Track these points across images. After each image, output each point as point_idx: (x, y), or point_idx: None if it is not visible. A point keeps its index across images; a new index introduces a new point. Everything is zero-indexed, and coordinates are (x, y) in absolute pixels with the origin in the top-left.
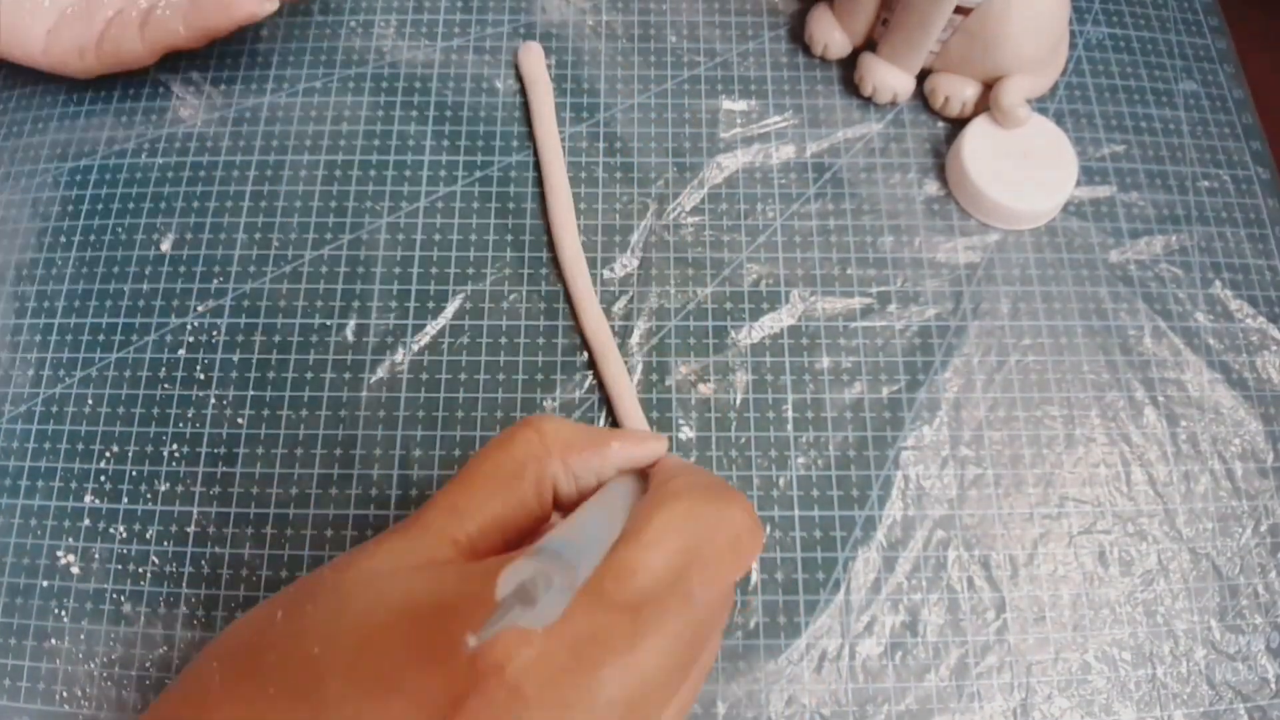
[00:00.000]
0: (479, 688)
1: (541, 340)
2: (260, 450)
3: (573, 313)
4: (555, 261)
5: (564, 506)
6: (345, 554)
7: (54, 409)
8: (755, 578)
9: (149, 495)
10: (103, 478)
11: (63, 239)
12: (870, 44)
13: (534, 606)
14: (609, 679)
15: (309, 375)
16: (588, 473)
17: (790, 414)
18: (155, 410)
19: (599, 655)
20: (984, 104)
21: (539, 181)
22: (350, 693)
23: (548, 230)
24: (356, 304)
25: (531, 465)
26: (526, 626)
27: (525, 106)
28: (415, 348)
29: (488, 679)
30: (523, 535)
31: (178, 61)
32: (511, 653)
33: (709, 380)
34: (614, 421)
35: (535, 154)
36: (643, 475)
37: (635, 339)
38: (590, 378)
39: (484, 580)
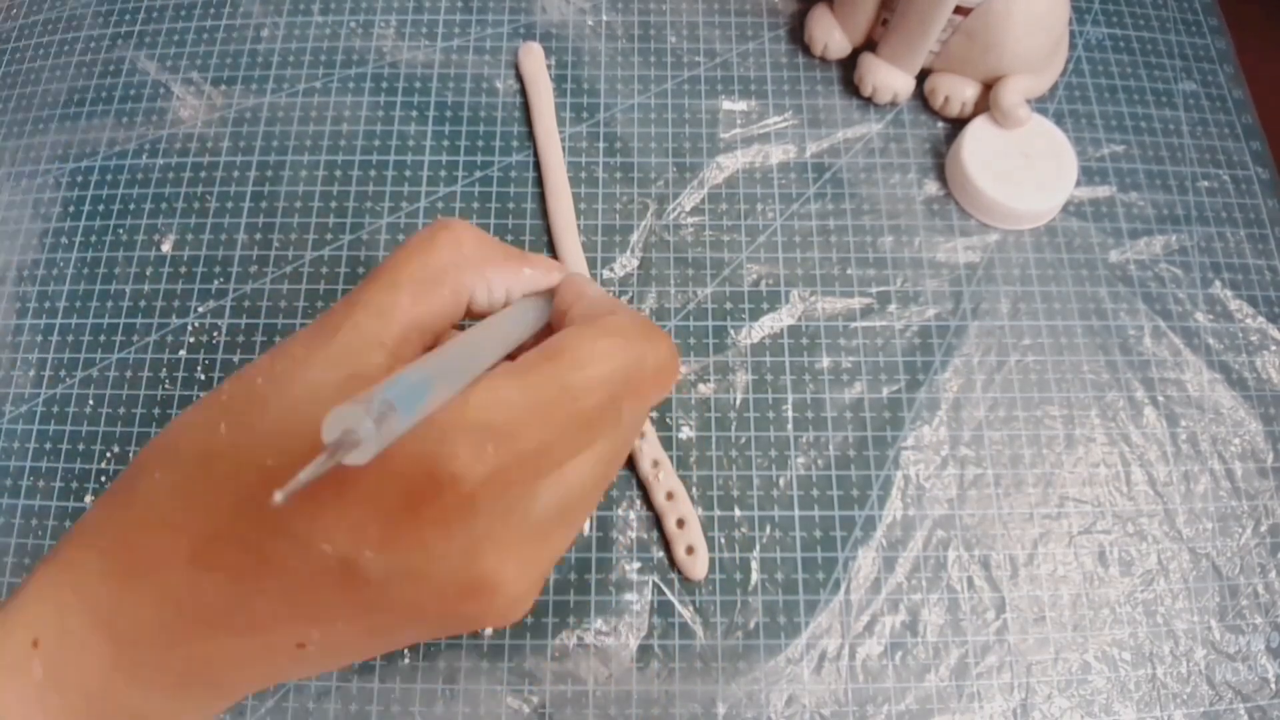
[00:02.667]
0: (437, 498)
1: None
2: None
3: None
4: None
5: (476, 315)
6: (270, 357)
7: (55, 409)
8: (755, 578)
9: None
10: (104, 478)
11: (64, 240)
12: (870, 44)
13: (357, 448)
14: (546, 490)
15: None
16: (500, 288)
17: (790, 414)
18: (156, 410)
19: (541, 468)
20: (984, 104)
21: (539, 181)
22: (307, 502)
23: (548, 230)
24: None
25: (452, 272)
26: (348, 464)
27: (525, 107)
28: None
29: (444, 490)
30: (439, 337)
31: (178, 62)
32: (468, 467)
33: (709, 380)
34: None
35: (535, 154)
36: (547, 295)
37: None
38: None
39: (441, 412)
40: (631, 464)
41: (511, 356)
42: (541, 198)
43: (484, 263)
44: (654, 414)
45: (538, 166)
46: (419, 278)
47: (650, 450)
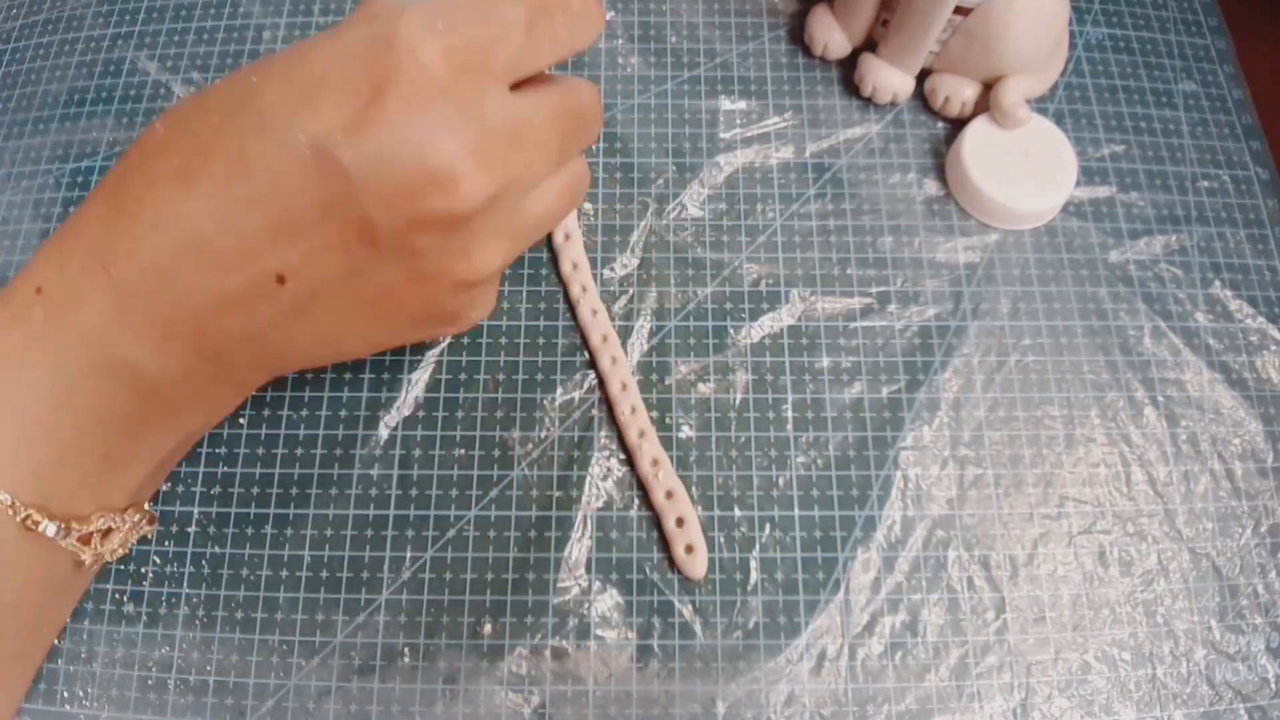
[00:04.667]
0: (398, 74)
1: (541, 340)
2: (260, 450)
3: (572, 313)
4: (555, 261)
5: None
6: None
7: None
8: (755, 578)
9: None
10: None
11: None
12: (870, 44)
13: None
14: (497, 97)
15: (309, 375)
16: None
17: (790, 414)
18: None
19: (489, 65)
20: (984, 104)
21: None
22: (285, 98)
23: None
24: None
25: None
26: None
27: None
28: (415, 348)
29: (404, 64)
30: None
31: (179, 63)
32: (421, 38)
33: (709, 380)
34: (615, 424)
35: None
36: None
37: (635, 339)
38: (591, 377)
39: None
40: (631, 463)
41: None
42: None
43: None
44: (654, 414)
45: None
46: None
47: (650, 449)
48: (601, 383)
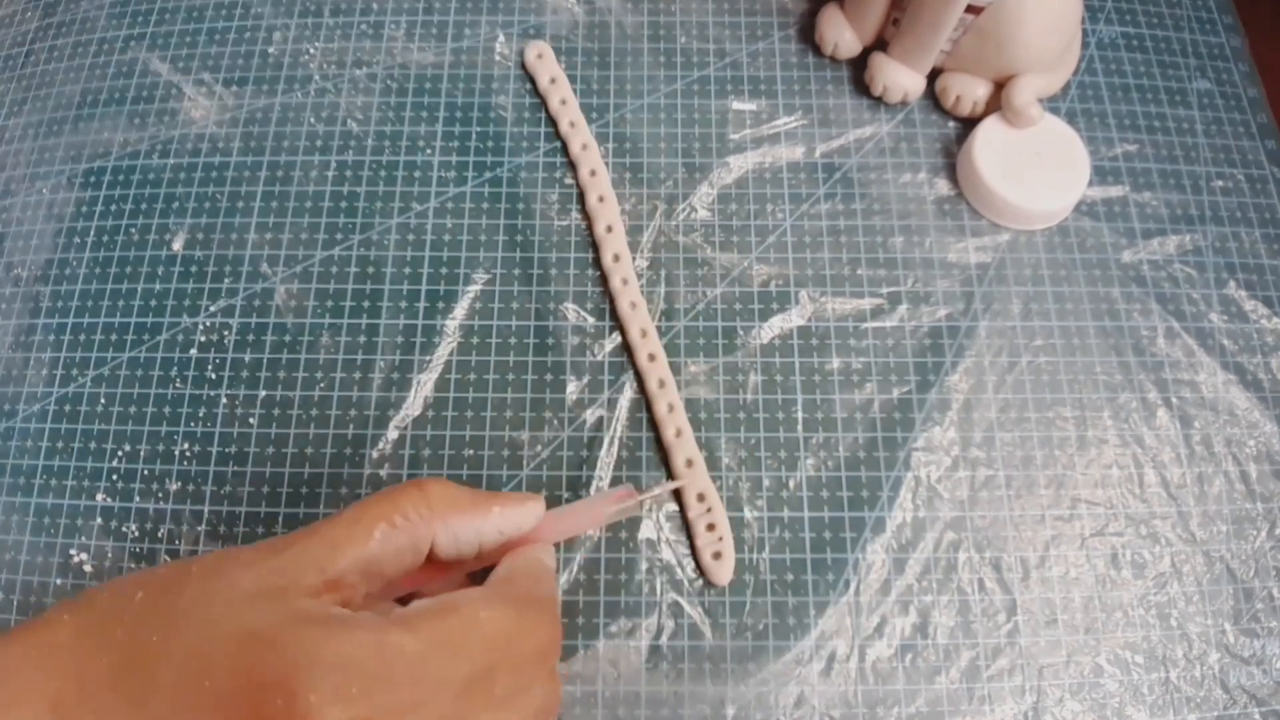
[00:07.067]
0: None
1: (551, 340)
2: (270, 450)
3: (612, 308)
4: (595, 247)
5: (441, 562)
6: (219, 554)
7: (67, 408)
8: (765, 578)
9: (160, 494)
10: (115, 476)
11: (76, 239)
12: (880, 43)
13: None
14: None
15: (319, 375)
16: (469, 532)
17: (800, 415)
18: (167, 409)
19: None
20: (995, 103)
21: (552, 181)
22: (168, 699)
23: (587, 222)
24: (367, 304)
25: (415, 519)
26: None
27: (535, 107)
28: (425, 348)
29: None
30: (388, 581)
31: (190, 63)
32: (328, 704)
33: (718, 380)
34: (652, 419)
35: (565, 152)
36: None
37: None
38: (591, 378)
39: (321, 643)
40: (666, 464)
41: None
42: (579, 192)
43: (449, 510)
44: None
45: (548, 168)
46: (378, 519)
47: (685, 449)
48: (639, 379)
